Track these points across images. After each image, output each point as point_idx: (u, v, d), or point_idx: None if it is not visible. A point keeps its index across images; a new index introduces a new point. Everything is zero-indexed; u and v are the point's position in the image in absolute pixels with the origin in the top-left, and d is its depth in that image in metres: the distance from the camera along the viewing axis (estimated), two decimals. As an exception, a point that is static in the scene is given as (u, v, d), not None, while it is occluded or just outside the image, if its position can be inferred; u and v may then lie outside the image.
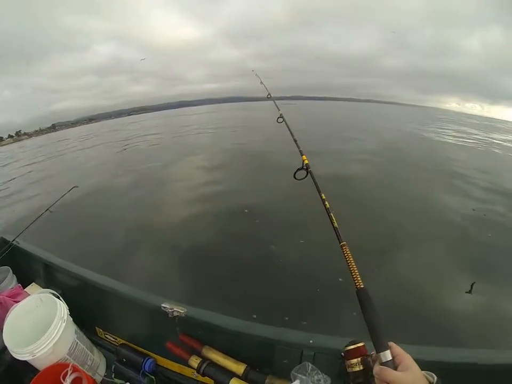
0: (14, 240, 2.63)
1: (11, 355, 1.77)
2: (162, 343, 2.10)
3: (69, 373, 1.71)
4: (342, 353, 1.06)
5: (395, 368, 0.85)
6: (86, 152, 22.09)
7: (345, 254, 1.11)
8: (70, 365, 1.75)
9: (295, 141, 2.06)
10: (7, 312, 1.98)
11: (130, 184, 10.58)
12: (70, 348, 1.95)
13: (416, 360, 0.86)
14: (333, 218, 1.29)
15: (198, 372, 1.82)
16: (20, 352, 1.76)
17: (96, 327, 2.52)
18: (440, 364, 1.43)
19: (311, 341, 1.62)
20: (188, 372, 2.14)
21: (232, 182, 9.85)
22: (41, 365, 1.86)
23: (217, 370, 1.77)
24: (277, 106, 2.77)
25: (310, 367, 1.54)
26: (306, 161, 1.68)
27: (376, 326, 0.93)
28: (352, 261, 1.07)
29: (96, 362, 2.21)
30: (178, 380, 2.18)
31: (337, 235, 1.21)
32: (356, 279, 1.02)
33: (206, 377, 1.82)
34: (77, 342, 2.02)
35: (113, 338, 2.44)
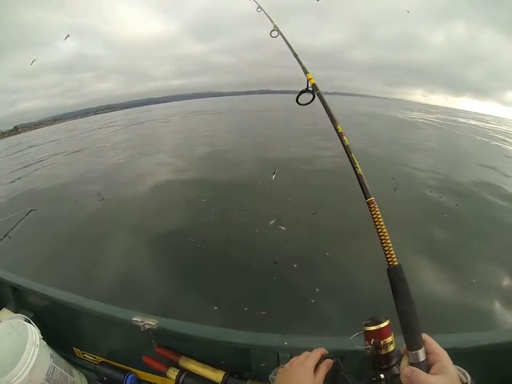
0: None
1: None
2: (140, 357, 2.06)
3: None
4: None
5: (428, 369, 0.75)
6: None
7: (374, 215, 0.86)
8: (47, 392, 1.70)
9: (296, 55, 1.73)
10: (-20, 342, 1.91)
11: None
12: (47, 373, 1.88)
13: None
14: (355, 161, 0.96)
15: (176, 383, 1.80)
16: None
17: (74, 348, 2.45)
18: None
19: (285, 343, 1.61)
20: (170, 383, 2.11)
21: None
22: (21, 394, 1.81)
23: (195, 380, 1.75)
24: (269, 18, 2.33)
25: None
26: (312, 81, 1.35)
27: (411, 318, 0.77)
28: (382, 226, 0.83)
29: (77, 384, 2.16)
30: None
31: (362, 187, 0.92)
32: (388, 253, 0.81)
33: None
34: (54, 366, 1.96)
35: (91, 357, 2.38)
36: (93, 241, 6.41)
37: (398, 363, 0.83)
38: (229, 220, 6.48)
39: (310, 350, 1.54)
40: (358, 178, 0.94)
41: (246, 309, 3.90)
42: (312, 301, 4.05)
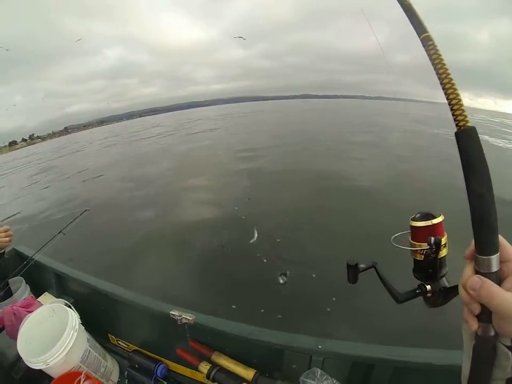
0: (33, 255, 2.61)
1: (25, 364, 1.75)
2: (173, 349, 2.06)
3: (82, 381, 1.68)
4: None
5: (499, 282, 0.54)
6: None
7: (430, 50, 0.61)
8: (83, 373, 1.72)
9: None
10: (21, 323, 1.95)
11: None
12: (82, 356, 1.92)
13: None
14: None
15: (207, 378, 1.78)
16: (33, 362, 1.72)
17: (109, 334, 2.49)
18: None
19: (319, 346, 1.57)
20: (199, 376, 2.10)
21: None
22: (54, 373, 1.84)
23: (227, 376, 1.73)
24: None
25: (319, 373, 1.51)
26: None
27: (488, 207, 0.53)
28: (452, 82, 0.57)
29: (109, 369, 2.18)
30: None
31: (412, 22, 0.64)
32: (458, 109, 0.56)
33: (216, 383, 1.78)
34: (90, 350, 1.99)
35: (125, 344, 2.41)
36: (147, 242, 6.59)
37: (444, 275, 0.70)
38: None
39: (343, 355, 1.50)
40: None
41: (262, 310, 3.90)
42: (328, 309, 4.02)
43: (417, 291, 0.70)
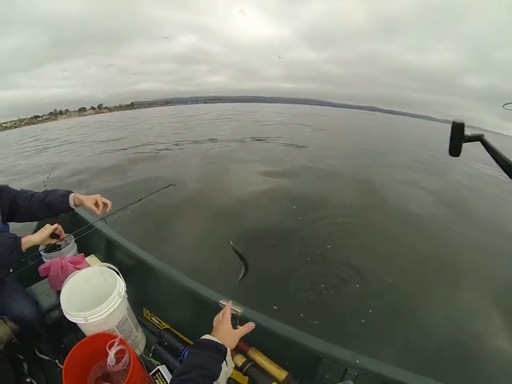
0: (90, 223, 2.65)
1: (58, 314, 1.79)
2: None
3: (115, 344, 1.69)
4: None
5: None
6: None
7: None
8: (118, 337, 1.72)
9: None
10: (67, 276, 2.00)
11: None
12: (119, 322, 1.95)
13: None
14: None
15: (240, 371, 1.74)
16: (74, 315, 1.75)
17: (144, 308, 2.50)
18: None
19: (357, 361, 1.52)
20: None
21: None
22: (89, 330, 1.86)
23: (259, 372, 1.68)
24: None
25: None
26: None
27: None
28: None
29: (138, 340, 2.21)
30: None
31: None
32: None
33: (246, 376, 1.74)
34: (127, 318, 2.02)
35: (158, 321, 2.42)
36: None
37: None
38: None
39: (378, 374, 1.44)
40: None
41: (301, 315, 3.84)
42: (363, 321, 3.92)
43: None
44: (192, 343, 2.19)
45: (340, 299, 4.31)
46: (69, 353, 1.64)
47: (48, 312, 2.23)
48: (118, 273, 2.03)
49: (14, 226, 2.11)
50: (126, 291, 1.99)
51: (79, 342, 1.71)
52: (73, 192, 2.14)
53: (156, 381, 2.02)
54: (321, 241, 5.85)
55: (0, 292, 1.98)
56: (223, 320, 1.44)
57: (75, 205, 2.11)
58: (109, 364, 1.69)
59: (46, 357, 2.24)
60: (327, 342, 1.65)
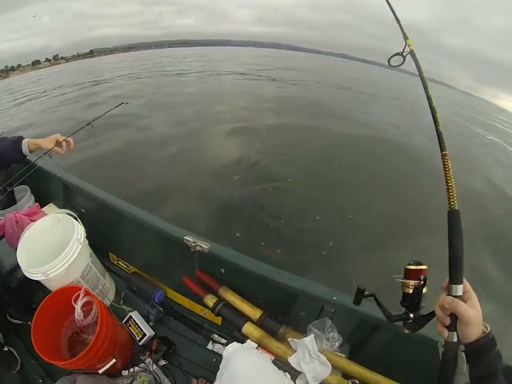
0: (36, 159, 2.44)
1: (23, 273, 1.65)
2: (176, 276, 1.97)
3: (80, 296, 1.58)
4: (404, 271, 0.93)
5: None
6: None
7: (446, 166, 0.91)
8: (83, 288, 1.61)
9: (397, 19, 1.41)
10: (23, 231, 1.84)
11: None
12: (83, 271, 1.82)
13: None
14: (438, 119, 1.01)
15: (212, 311, 1.69)
16: (32, 272, 1.62)
17: (110, 253, 2.39)
18: None
19: (334, 298, 1.47)
20: (196, 308, 2.03)
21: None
22: (53, 286, 1.74)
23: (232, 312, 1.64)
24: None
25: (329, 323, 1.45)
26: (411, 47, 1.27)
27: (459, 255, 0.83)
28: (451, 176, 0.89)
29: (107, 288, 2.11)
30: (186, 314, 2.08)
31: (439, 142, 0.98)
32: (451, 198, 0.87)
33: (218, 316, 1.70)
34: (91, 266, 1.89)
35: (125, 265, 2.32)
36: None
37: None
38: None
39: (355, 310, 1.41)
40: (437, 132, 0.99)
41: (263, 243, 3.87)
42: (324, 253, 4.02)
43: (403, 316, 0.91)
44: (161, 284, 2.13)
45: (300, 231, 4.35)
46: (35, 313, 1.54)
47: (12, 273, 2.06)
48: (76, 219, 1.88)
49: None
50: (86, 237, 1.84)
51: (43, 300, 1.60)
52: (24, 138, 1.87)
53: (129, 328, 1.96)
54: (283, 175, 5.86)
55: None
56: None
57: (30, 151, 1.84)
58: (77, 319, 1.60)
59: (18, 321, 2.09)
60: (305, 278, 1.58)
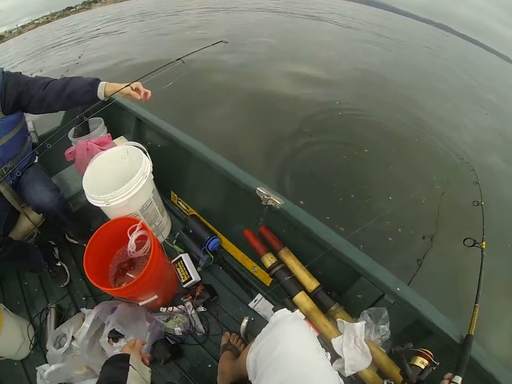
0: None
1: (87, 199, 1.66)
2: (236, 227, 1.90)
3: (137, 229, 1.56)
4: (418, 350, 1.11)
5: None
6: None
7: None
8: (140, 221, 1.59)
9: None
10: (92, 158, 1.85)
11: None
12: (143, 205, 1.79)
13: None
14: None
15: (268, 272, 1.60)
16: (95, 198, 1.61)
17: (172, 192, 2.35)
18: None
19: (398, 289, 1.30)
20: (248, 264, 1.96)
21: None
22: (112, 214, 1.75)
23: (288, 276, 1.53)
24: None
25: (385, 314, 1.31)
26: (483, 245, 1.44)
27: (465, 360, 1.06)
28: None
29: (163, 225, 2.10)
30: (237, 268, 2.01)
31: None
32: (472, 324, 1.12)
33: (272, 278, 1.61)
34: (152, 201, 1.86)
35: (185, 206, 2.28)
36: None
37: None
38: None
39: (414, 309, 1.27)
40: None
41: (328, 218, 3.59)
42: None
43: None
44: (218, 232, 2.07)
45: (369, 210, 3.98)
46: (91, 236, 1.56)
47: (76, 197, 2.15)
48: (145, 153, 1.84)
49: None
50: (152, 172, 1.80)
51: (101, 226, 1.61)
52: (101, 81, 1.78)
53: (177, 269, 1.95)
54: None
55: (23, 181, 1.84)
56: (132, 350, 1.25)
57: (105, 94, 1.75)
58: (129, 250, 1.59)
59: (75, 241, 2.21)
60: (371, 259, 1.41)
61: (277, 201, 1.47)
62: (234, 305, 1.87)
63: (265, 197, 1.52)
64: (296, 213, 1.52)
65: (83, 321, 1.57)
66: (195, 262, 2.00)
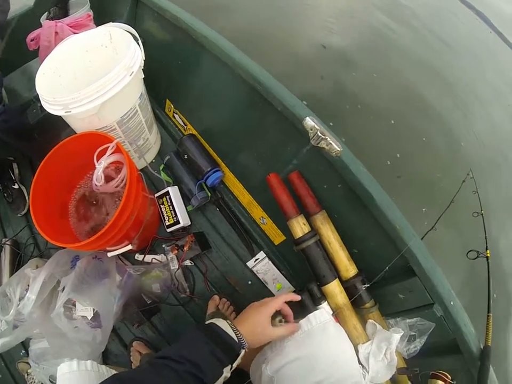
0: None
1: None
2: (251, 162, 1.38)
3: (108, 152, 1.05)
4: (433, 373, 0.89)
5: None
6: None
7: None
8: (114, 141, 1.06)
9: None
10: (60, 45, 1.28)
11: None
12: (124, 116, 1.22)
13: None
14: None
15: (296, 244, 1.06)
16: (49, 101, 1.07)
17: (167, 100, 1.70)
18: None
19: (451, 302, 0.90)
20: (256, 213, 1.46)
21: None
22: (78, 128, 1.23)
23: (320, 257, 1.03)
24: None
25: (431, 330, 0.97)
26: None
27: (486, 374, 0.85)
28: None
29: (148, 145, 1.53)
30: (239, 214, 1.53)
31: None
32: (488, 333, 0.91)
33: (297, 246, 1.08)
34: (137, 110, 1.28)
35: (183, 122, 1.65)
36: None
37: None
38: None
39: (459, 330, 0.94)
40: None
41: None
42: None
43: None
44: (222, 163, 1.53)
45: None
46: (43, 160, 1.10)
47: (32, 110, 1.59)
48: (137, 41, 1.24)
49: None
50: (144, 69, 1.23)
51: (55, 147, 1.12)
52: None
53: (161, 205, 1.46)
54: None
55: None
56: (261, 311, 0.87)
57: None
58: (95, 183, 1.10)
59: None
60: (432, 258, 0.94)
61: (334, 145, 0.92)
62: (230, 263, 1.46)
63: (320, 134, 0.95)
64: (354, 165, 0.98)
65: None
66: (185, 199, 1.50)
